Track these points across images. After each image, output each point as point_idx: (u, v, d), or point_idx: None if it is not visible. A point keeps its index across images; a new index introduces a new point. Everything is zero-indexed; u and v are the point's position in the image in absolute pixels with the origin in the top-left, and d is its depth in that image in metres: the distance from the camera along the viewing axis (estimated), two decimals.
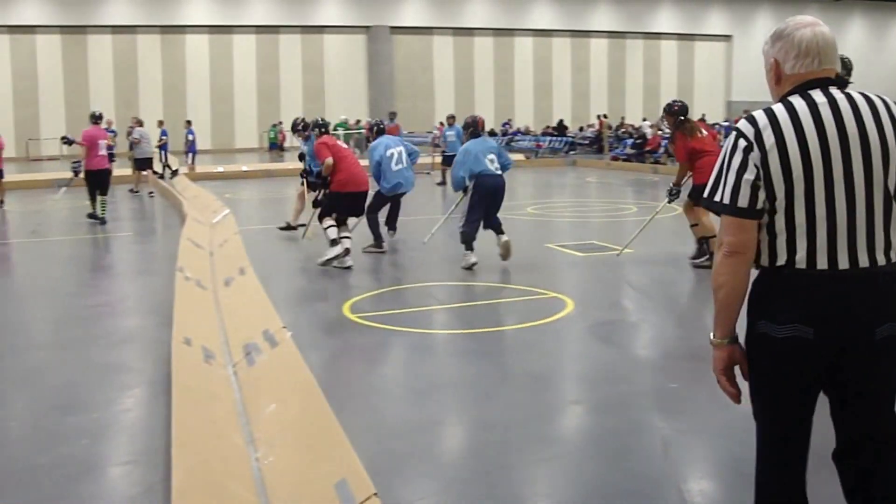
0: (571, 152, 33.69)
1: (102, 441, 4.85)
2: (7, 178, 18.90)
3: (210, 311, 6.85)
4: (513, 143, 37.77)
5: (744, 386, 2.68)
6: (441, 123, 24.54)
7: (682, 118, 9.88)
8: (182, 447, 3.82)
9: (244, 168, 25.91)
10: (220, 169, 27.21)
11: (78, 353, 6.62)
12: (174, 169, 24.86)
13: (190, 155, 26.54)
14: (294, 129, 13.40)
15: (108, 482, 4.34)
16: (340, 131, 31.16)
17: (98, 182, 15.17)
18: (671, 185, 10.14)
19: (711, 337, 2.68)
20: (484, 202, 9.66)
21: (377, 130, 11.82)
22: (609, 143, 34.87)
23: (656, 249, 11.03)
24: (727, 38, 52.86)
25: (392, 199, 11.40)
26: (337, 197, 10.02)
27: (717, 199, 2.57)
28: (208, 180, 22.59)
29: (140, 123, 22.84)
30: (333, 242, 9.75)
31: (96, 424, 5.06)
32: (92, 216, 15.17)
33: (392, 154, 10.94)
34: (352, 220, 10.54)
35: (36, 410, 5.34)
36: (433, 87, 47.71)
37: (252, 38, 44.95)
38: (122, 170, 22.41)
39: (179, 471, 3.55)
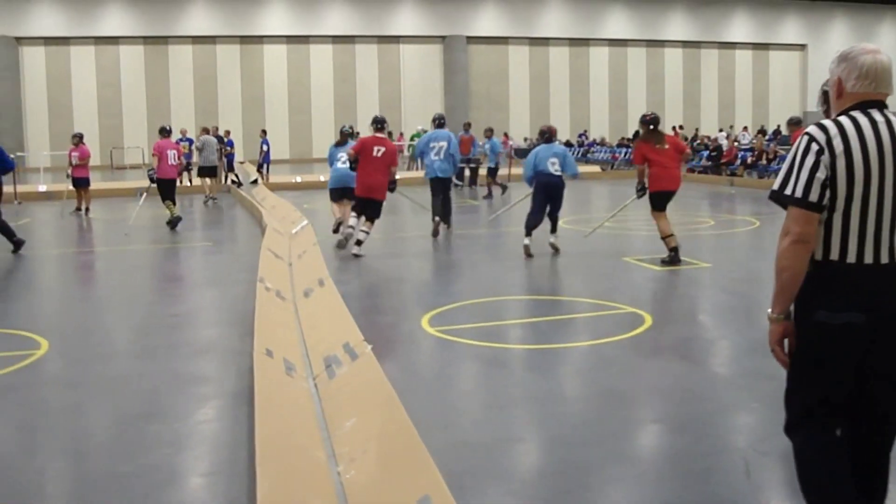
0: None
1: (184, 451, 4.93)
2: (93, 186, 19.45)
3: (290, 323, 6.93)
4: (589, 155, 37.52)
5: None
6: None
7: (652, 128, 11.07)
8: (266, 461, 3.86)
9: (322, 178, 26.14)
10: (298, 179, 27.53)
11: (159, 362, 6.74)
12: (253, 179, 25.25)
13: (264, 165, 26.84)
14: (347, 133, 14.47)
15: (192, 493, 4.40)
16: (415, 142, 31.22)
17: (167, 189, 16.06)
18: (637, 183, 11.58)
19: (769, 312, 3.10)
20: (540, 196, 11.60)
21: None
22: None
23: (735, 264, 10.85)
24: (802, 47, 51.90)
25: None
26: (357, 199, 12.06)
27: (787, 192, 2.97)
28: (286, 190, 22.90)
29: (206, 132, 23.30)
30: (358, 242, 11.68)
31: (178, 434, 5.14)
32: (170, 222, 15.76)
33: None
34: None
35: (120, 419, 5.45)
36: (508, 96, 47.73)
37: (329, 47, 45.52)
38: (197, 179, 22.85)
39: (264, 485, 3.58)
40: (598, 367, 6.41)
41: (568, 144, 41.84)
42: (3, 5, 41.89)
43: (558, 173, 11.58)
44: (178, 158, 16.93)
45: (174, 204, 16.20)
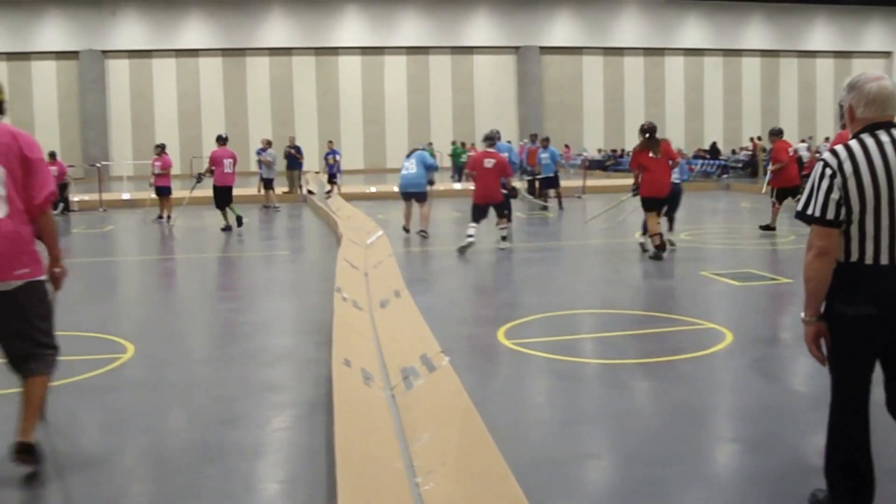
0: (724, 176, 32.81)
1: (262, 458, 4.98)
2: (173, 194, 19.91)
3: (367, 333, 6.98)
4: None
5: None
6: (523, 142, 24.50)
7: (649, 136, 12.27)
8: (345, 470, 3.88)
9: (395, 188, 26.32)
10: (372, 189, 27.76)
11: (238, 369, 6.84)
12: (328, 189, 25.52)
13: (336, 176, 26.91)
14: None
15: (269, 500, 4.44)
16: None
17: (223, 196, 16.87)
18: (633, 184, 12.84)
19: (802, 316, 3.56)
20: (665, 202, 12.64)
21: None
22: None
23: None
24: (887, 54, 50.58)
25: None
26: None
27: (809, 212, 3.47)
28: (360, 200, 23.10)
29: (269, 144, 23.72)
30: (469, 236, 13.04)
31: (256, 441, 5.20)
32: (226, 228, 16.24)
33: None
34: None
35: (200, 424, 5.54)
36: (582, 107, 47.50)
37: (403, 58, 45.89)
38: (281, 187, 23.17)
39: (344, 495, 3.58)
40: (676, 384, 6.32)
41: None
42: (91, 21, 43.20)
43: (678, 180, 13.14)
44: (234, 167, 17.60)
45: (231, 210, 16.99)
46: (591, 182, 26.71)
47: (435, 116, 46.07)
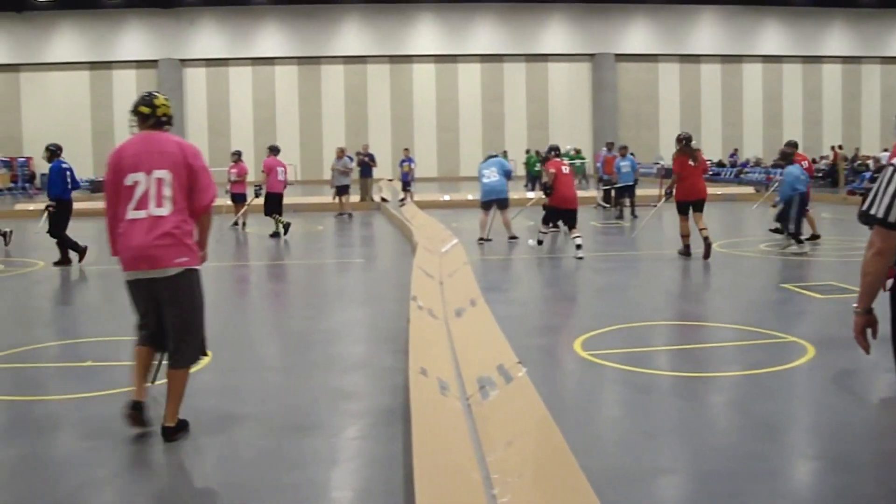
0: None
1: (338, 466, 5.01)
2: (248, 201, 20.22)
3: (443, 342, 6.96)
4: (742, 175, 36.48)
5: None
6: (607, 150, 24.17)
7: (686, 144, 13.34)
8: (423, 480, 3.86)
9: (469, 197, 26.36)
10: (446, 197, 27.81)
11: (312, 376, 6.88)
12: (401, 198, 25.65)
13: (409, 184, 27.03)
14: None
15: None
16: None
17: (275, 203, 17.61)
18: (668, 187, 13.89)
19: (855, 307, 3.78)
20: (798, 207, 13.58)
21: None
22: (844, 176, 33.01)
23: None
24: None
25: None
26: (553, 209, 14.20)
27: (872, 212, 3.57)
28: (434, 208, 23.16)
29: (343, 152, 23.91)
30: (540, 243, 14.26)
31: (332, 449, 5.24)
32: (275, 234, 16.50)
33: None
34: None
35: (275, 431, 5.58)
36: (658, 115, 46.97)
37: (477, 66, 45.95)
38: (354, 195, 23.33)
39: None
40: (755, 398, 6.18)
41: (720, 165, 40.80)
42: (170, 30, 44.20)
43: (798, 187, 13.73)
44: (286, 175, 18.46)
45: (280, 216, 17.74)
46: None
47: (509, 124, 46.02)
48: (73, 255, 13.81)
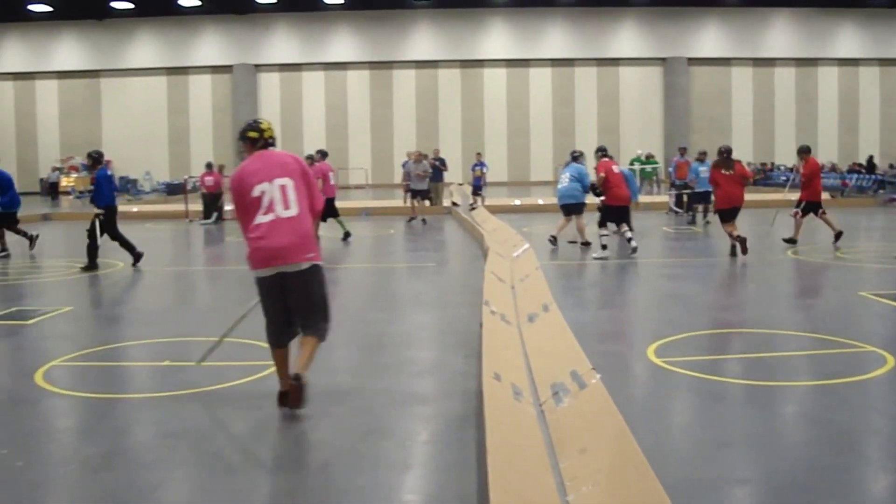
0: (881, 191, 31.30)
1: (412, 470, 5.02)
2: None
3: (515, 347, 6.96)
4: None
5: None
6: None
7: (726, 156, 14.04)
8: (498, 485, 3.85)
9: (540, 201, 26.31)
10: (517, 202, 27.75)
11: (386, 379, 6.91)
12: (472, 202, 25.66)
13: (481, 188, 26.95)
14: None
15: None
16: (637, 166, 30.92)
17: (332, 207, 17.71)
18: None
19: None
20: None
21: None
22: None
23: None
24: None
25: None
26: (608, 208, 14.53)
27: None
28: (504, 213, 23.13)
29: (423, 157, 23.96)
30: (604, 247, 14.07)
31: (404, 453, 5.25)
32: (347, 236, 17.20)
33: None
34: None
35: (347, 434, 5.62)
36: (730, 119, 46.23)
37: (548, 70, 45.82)
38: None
39: None
40: (832, 409, 6.04)
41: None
42: (245, 36, 44.96)
43: None
44: (336, 179, 18.69)
45: (340, 218, 18.15)
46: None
47: (579, 129, 45.75)
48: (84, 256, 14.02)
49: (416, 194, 22.64)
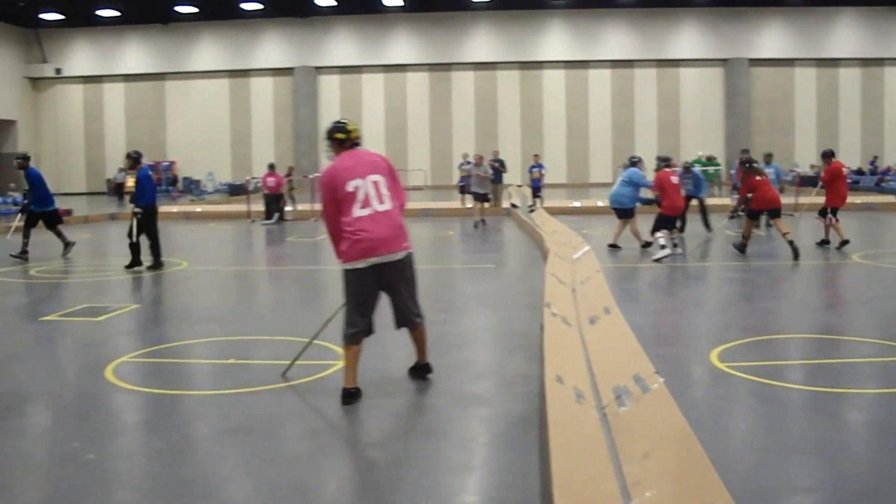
0: None
1: (473, 473, 5.02)
2: None
3: (577, 350, 6.93)
4: (883, 184, 34.96)
5: None
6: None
7: (750, 164, 15.30)
8: (563, 489, 3.86)
9: (599, 203, 26.12)
10: (577, 204, 27.62)
11: (445, 381, 6.90)
12: (531, 204, 25.60)
13: (539, 189, 26.83)
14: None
15: None
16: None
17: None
18: (737, 204, 16.48)
19: None
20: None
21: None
22: None
23: None
24: None
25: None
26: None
27: None
28: (563, 215, 23.05)
29: (476, 160, 23.90)
30: (662, 247, 14.06)
31: (466, 454, 5.25)
32: None
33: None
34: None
35: (405, 435, 5.68)
36: (793, 121, 45.44)
37: (607, 72, 45.53)
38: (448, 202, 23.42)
39: None
40: None
41: (858, 172, 39.24)
42: (306, 39, 45.44)
43: None
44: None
45: None
46: (803, 199, 25.50)
47: (639, 131, 45.38)
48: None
49: (476, 197, 22.47)
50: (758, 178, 14.79)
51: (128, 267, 13.87)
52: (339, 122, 6.53)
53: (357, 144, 6.46)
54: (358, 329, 6.29)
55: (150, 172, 14.33)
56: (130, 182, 42.72)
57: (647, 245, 15.49)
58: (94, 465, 5.14)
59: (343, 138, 6.42)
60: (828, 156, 16.12)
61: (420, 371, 6.84)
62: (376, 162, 6.35)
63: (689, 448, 4.33)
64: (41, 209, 15.96)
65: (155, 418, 6.12)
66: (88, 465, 5.15)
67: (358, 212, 6.11)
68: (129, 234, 13.90)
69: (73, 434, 5.71)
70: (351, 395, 6.21)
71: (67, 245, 16.23)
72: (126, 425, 6.10)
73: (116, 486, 4.90)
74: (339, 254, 6.27)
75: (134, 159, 14.03)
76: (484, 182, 22.39)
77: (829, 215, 15.69)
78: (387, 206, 6.21)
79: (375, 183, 6.20)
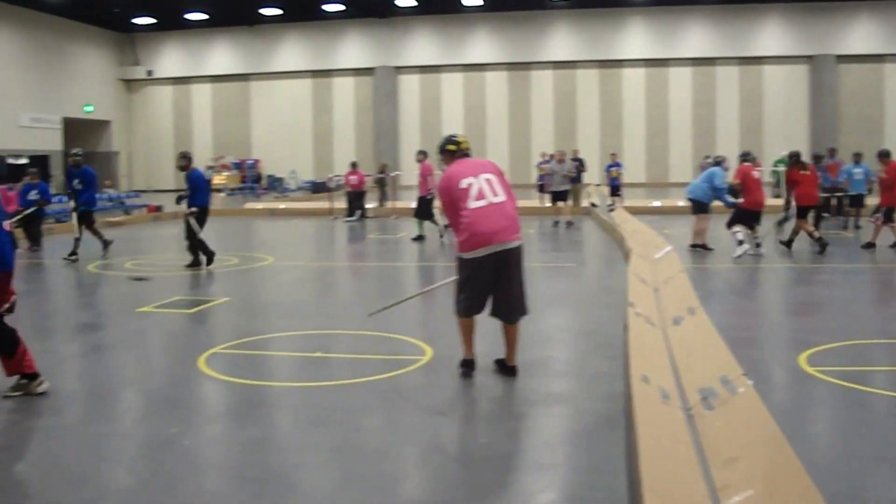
0: None
1: (555, 470, 5.04)
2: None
3: (661, 350, 6.90)
4: None
5: None
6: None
7: (797, 160, 15.68)
8: (652, 491, 3.85)
9: (680, 203, 25.77)
10: (657, 203, 27.34)
11: (527, 379, 6.93)
12: (610, 203, 25.43)
13: (613, 189, 26.60)
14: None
15: None
16: (781, 167, 29.85)
17: (428, 208, 18.01)
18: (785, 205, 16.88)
19: None
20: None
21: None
22: None
23: None
24: None
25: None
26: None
27: None
28: (643, 214, 22.84)
29: (558, 158, 23.60)
30: (740, 243, 14.23)
31: (550, 453, 5.29)
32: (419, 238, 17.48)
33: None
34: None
35: (488, 431, 5.72)
36: (883, 119, 44.12)
37: (688, 70, 44.85)
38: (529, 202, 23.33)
39: None
40: None
41: None
42: (386, 39, 45.81)
43: None
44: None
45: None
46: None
47: (720, 129, 44.61)
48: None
49: (556, 196, 21.93)
50: (802, 171, 15.13)
51: (208, 263, 14.01)
52: (450, 136, 7.23)
53: (467, 155, 7.05)
54: (471, 305, 6.83)
55: (202, 171, 14.68)
56: (217, 179, 44.03)
57: (700, 246, 15.40)
58: (189, 452, 5.34)
59: (454, 149, 7.07)
60: (885, 155, 16.00)
61: (505, 370, 6.99)
62: (486, 164, 6.94)
63: (780, 453, 4.27)
64: (91, 209, 16.27)
65: (245, 408, 6.29)
66: (184, 450, 5.34)
67: (473, 203, 6.62)
68: (187, 236, 14.00)
69: (169, 420, 5.92)
70: (467, 366, 6.87)
71: (107, 244, 16.35)
72: (218, 414, 6.30)
73: (209, 473, 5.08)
74: (459, 246, 6.75)
75: (189, 159, 14.18)
76: (565, 180, 21.92)
77: (878, 214, 15.58)
78: (501, 198, 6.69)
79: (488, 180, 6.73)
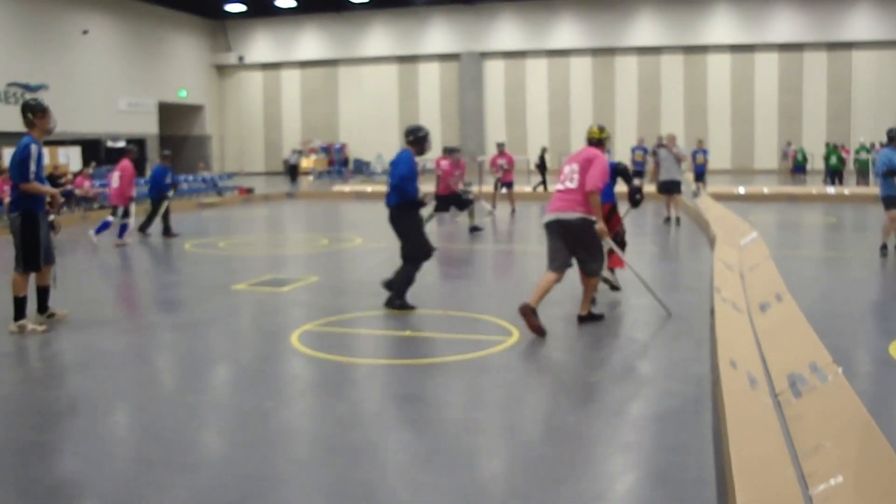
0: None
1: (643, 450, 5.06)
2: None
3: (748, 336, 6.91)
4: None
5: None
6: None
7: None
8: (741, 472, 3.89)
9: (765, 190, 25.39)
10: (741, 190, 26.92)
11: (609, 357, 7.02)
12: (694, 189, 25.08)
13: (697, 175, 26.13)
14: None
15: (658, 493, 4.48)
16: (864, 154, 29.29)
17: (450, 202, 17.67)
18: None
19: None
20: None
21: None
22: None
23: None
24: None
25: None
26: None
27: None
28: (728, 200, 22.52)
29: (666, 144, 22.93)
30: None
31: (637, 433, 5.33)
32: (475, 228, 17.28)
33: None
34: None
35: (574, 411, 5.78)
36: None
37: (774, 56, 43.81)
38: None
39: (743, 496, 3.63)
40: None
41: None
42: (472, 25, 45.89)
43: None
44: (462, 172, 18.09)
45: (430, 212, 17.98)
46: None
47: (807, 116, 43.52)
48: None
49: (665, 187, 18.43)
50: None
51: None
52: (598, 126, 8.71)
53: (597, 145, 8.44)
54: (556, 262, 8.00)
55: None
56: (305, 163, 44.74)
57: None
58: (285, 425, 5.56)
59: (592, 138, 8.54)
60: None
61: (582, 320, 8.28)
62: (581, 154, 8.30)
63: (872, 441, 4.26)
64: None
65: (334, 384, 6.48)
66: (282, 422, 5.58)
67: (557, 186, 8.30)
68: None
69: (264, 394, 6.16)
70: (526, 310, 7.66)
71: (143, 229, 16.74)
72: (309, 388, 6.51)
73: (302, 443, 5.28)
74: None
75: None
76: (677, 166, 18.48)
77: None
78: (572, 185, 8.09)
79: (572, 169, 8.16)
